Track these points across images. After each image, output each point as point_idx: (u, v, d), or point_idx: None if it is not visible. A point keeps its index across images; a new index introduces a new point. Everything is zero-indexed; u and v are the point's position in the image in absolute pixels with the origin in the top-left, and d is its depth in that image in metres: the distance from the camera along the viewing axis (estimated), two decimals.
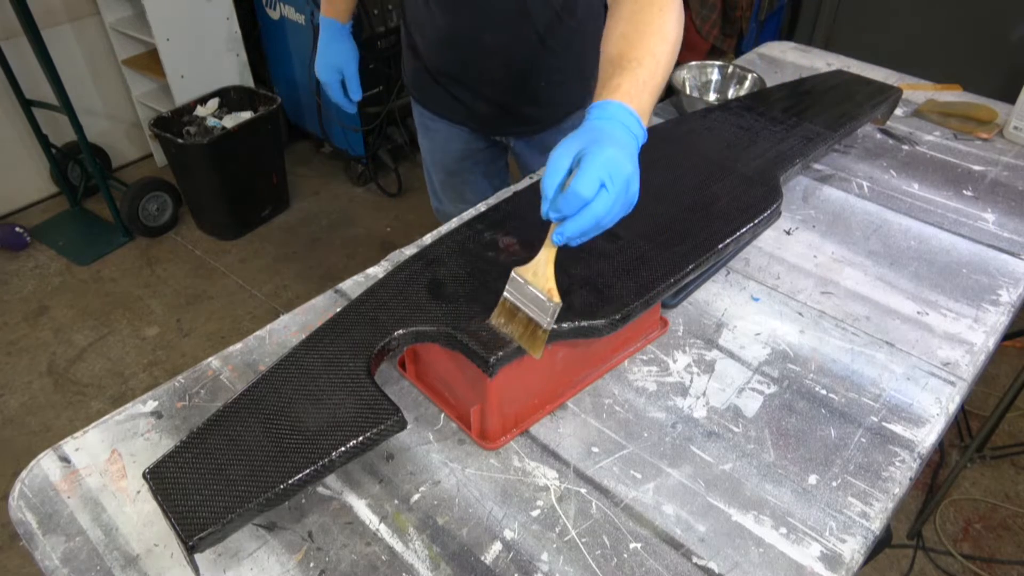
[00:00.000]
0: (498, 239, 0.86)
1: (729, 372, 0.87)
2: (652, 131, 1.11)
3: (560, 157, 0.70)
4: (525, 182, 1.17)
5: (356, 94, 1.33)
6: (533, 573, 0.67)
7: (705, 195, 0.94)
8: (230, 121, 2.49)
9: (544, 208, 0.70)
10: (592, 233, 0.70)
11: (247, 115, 2.52)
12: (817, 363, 0.89)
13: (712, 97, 1.49)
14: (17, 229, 2.56)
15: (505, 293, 0.75)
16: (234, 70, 2.78)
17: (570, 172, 0.69)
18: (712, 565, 0.68)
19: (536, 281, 0.73)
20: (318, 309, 0.96)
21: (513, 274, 0.74)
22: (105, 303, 2.38)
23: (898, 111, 1.41)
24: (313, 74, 2.59)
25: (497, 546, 0.69)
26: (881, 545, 1.61)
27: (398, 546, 0.69)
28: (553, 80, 1.25)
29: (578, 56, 1.23)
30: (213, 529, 0.60)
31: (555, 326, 0.72)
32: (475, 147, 1.42)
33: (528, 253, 0.78)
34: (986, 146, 1.33)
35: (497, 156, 1.47)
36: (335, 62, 1.31)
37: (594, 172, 0.67)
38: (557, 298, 0.72)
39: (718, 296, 0.98)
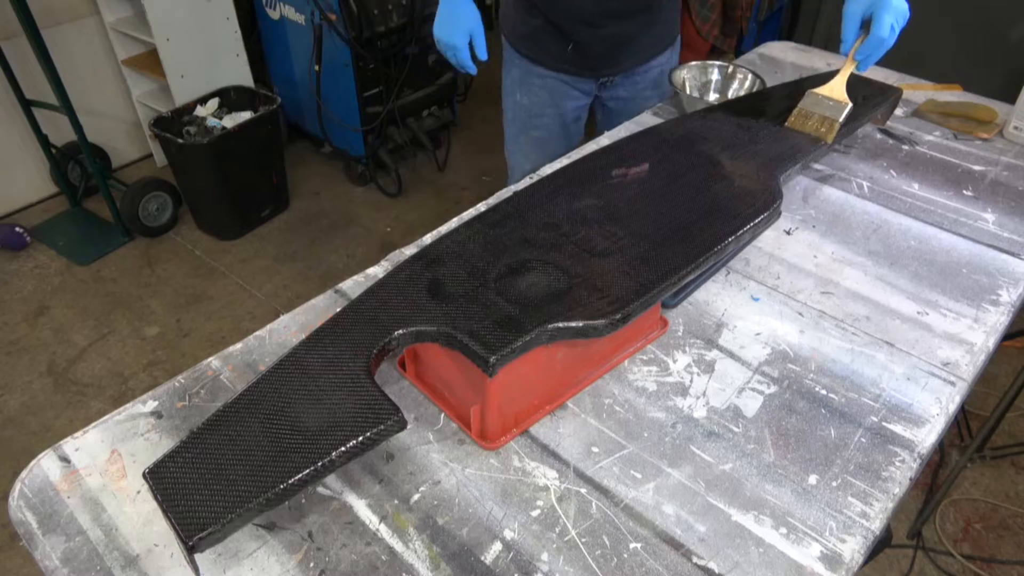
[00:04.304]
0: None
1: (729, 372, 0.87)
2: (652, 131, 1.11)
3: (854, 14, 1.08)
4: (520, 183, 1.17)
5: (483, 55, 1.37)
6: (533, 573, 0.67)
7: (705, 195, 0.94)
8: (230, 121, 2.49)
9: (845, 47, 1.10)
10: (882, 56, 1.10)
11: (247, 115, 2.52)
12: (817, 363, 0.89)
13: (712, 97, 1.49)
14: (17, 229, 2.56)
15: (800, 105, 1.15)
16: (234, 70, 2.78)
17: (861, 21, 1.08)
18: (712, 565, 0.68)
19: (833, 94, 1.14)
20: (318, 309, 0.96)
21: (809, 92, 1.15)
22: (105, 303, 2.38)
23: (898, 111, 1.41)
24: (314, 73, 2.61)
25: (497, 546, 0.69)
26: (881, 545, 1.61)
27: (398, 546, 0.69)
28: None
29: None
30: (213, 529, 0.60)
31: (561, 324, 0.74)
32: (575, 103, 1.54)
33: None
34: (986, 146, 1.33)
35: (585, 110, 1.60)
36: (465, 25, 1.33)
37: (888, 19, 1.04)
38: (849, 102, 1.12)
39: (718, 296, 0.98)
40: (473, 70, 1.40)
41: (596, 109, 1.64)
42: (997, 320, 0.95)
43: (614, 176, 0.96)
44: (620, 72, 1.51)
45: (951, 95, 1.48)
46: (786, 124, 1.13)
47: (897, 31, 1.06)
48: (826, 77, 1.36)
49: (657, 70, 1.53)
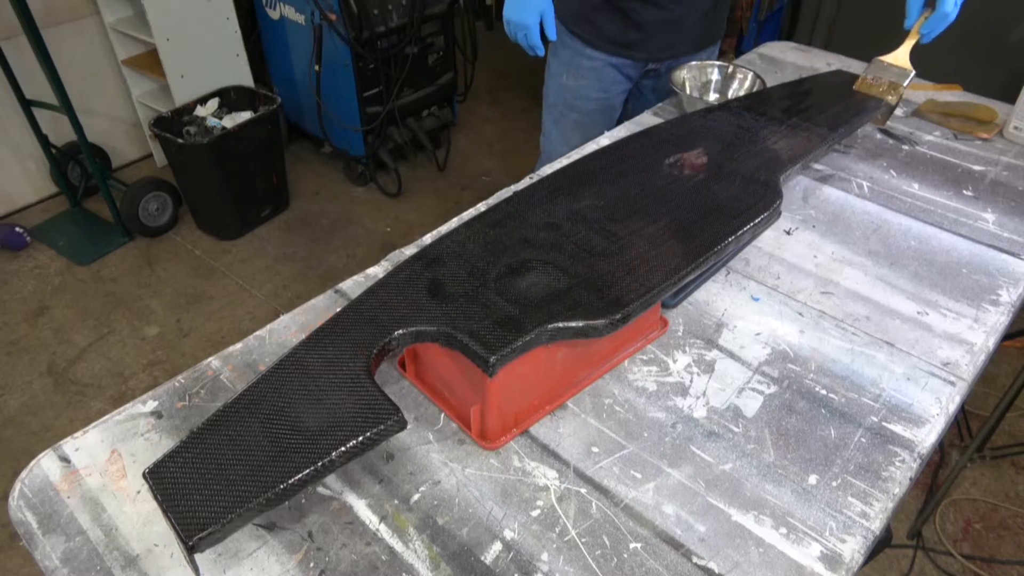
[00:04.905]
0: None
1: (729, 372, 0.87)
2: (652, 131, 1.11)
3: None
4: (520, 183, 1.17)
5: (553, 35, 1.45)
6: (533, 573, 0.67)
7: (705, 195, 0.94)
8: (230, 121, 2.49)
9: (910, 21, 1.20)
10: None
11: (247, 115, 2.52)
12: (817, 363, 0.89)
13: (712, 97, 1.49)
14: (17, 229, 2.56)
15: (866, 71, 1.29)
16: (234, 70, 2.78)
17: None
18: (712, 565, 0.68)
19: (896, 62, 1.26)
20: (318, 309, 0.95)
21: (875, 59, 1.28)
22: (105, 303, 2.38)
23: (898, 111, 1.41)
24: (313, 73, 2.61)
25: (497, 546, 0.69)
26: (881, 545, 1.61)
27: (398, 546, 0.69)
28: None
29: None
30: (213, 529, 0.60)
31: (561, 324, 0.74)
32: (619, 88, 1.59)
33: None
34: (986, 146, 1.33)
35: (624, 96, 1.65)
36: (537, 5, 1.40)
37: None
38: (912, 69, 1.24)
39: (718, 296, 0.98)
40: (542, 51, 1.45)
41: (630, 98, 1.67)
42: (997, 320, 0.95)
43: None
44: (669, 58, 1.54)
45: (951, 95, 1.48)
46: (854, 87, 1.28)
47: (960, 5, 1.13)
48: (827, 76, 1.36)
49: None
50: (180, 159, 2.46)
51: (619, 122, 1.51)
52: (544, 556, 0.68)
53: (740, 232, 0.88)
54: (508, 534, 0.70)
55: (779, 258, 1.05)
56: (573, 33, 1.54)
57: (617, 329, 0.76)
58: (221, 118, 2.52)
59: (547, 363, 0.79)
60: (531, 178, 1.19)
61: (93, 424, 0.81)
